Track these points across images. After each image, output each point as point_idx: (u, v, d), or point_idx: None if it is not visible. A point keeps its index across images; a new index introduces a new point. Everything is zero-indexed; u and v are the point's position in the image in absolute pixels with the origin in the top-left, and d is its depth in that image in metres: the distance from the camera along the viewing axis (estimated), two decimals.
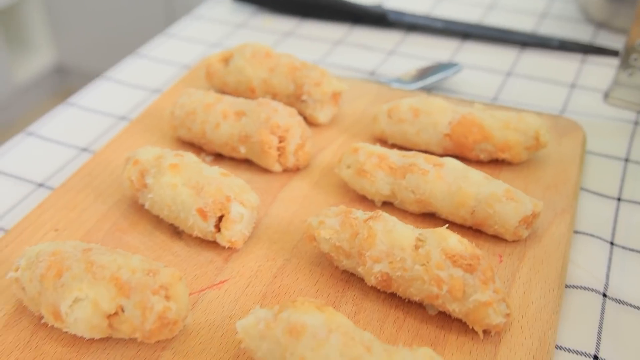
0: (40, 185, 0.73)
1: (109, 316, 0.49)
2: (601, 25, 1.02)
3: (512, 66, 0.93)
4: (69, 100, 0.87)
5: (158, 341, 0.52)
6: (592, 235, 0.64)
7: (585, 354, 0.53)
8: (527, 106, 0.83)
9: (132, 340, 0.52)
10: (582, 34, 1.00)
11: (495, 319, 0.50)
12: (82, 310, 0.49)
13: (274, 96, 0.76)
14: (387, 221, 0.54)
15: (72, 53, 2.81)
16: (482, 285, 0.50)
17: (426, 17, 1.03)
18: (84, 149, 0.78)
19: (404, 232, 0.53)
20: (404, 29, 1.02)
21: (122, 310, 0.49)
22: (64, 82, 2.80)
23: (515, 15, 1.06)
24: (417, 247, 0.52)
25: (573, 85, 0.88)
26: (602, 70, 0.91)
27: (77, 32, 2.74)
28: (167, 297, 0.49)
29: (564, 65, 0.93)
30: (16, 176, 0.74)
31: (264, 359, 0.47)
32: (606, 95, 0.84)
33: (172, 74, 0.93)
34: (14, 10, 2.62)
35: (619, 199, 0.69)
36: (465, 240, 0.52)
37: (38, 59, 2.73)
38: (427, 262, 0.51)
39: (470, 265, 0.50)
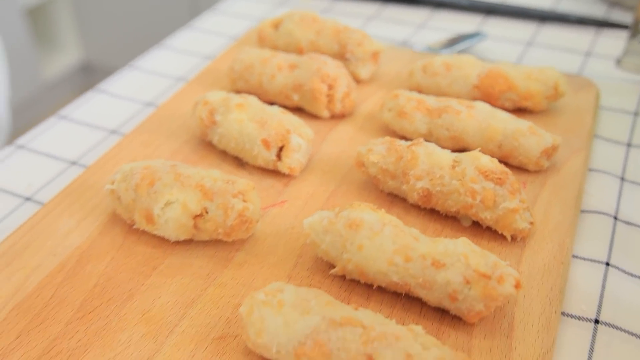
0: (113, 132, 0.82)
1: (195, 217, 0.59)
2: (614, 4, 1.11)
3: (532, 37, 1.01)
4: (132, 63, 0.97)
5: (233, 243, 0.61)
6: (604, 172, 0.72)
7: (599, 262, 0.61)
8: None
9: (211, 243, 0.61)
10: (597, 12, 1.09)
11: (521, 224, 0.59)
12: (173, 211, 0.58)
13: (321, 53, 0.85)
14: (427, 146, 0.63)
15: (97, 51, 2.92)
16: (510, 195, 0.59)
17: None
18: (149, 104, 0.88)
19: (443, 154, 0.62)
20: (432, 6, 1.11)
21: (207, 212, 0.58)
22: (90, 79, 2.91)
23: None
24: (453, 166, 0.61)
25: (588, 54, 0.97)
26: (615, 42, 1.00)
27: (103, 30, 2.85)
28: (244, 201, 0.58)
29: (579, 37, 1.01)
30: (90, 124, 0.83)
31: (326, 250, 0.56)
32: (618, 61, 0.93)
33: (222, 43, 1.02)
34: (43, 9, 2.74)
35: (629, 145, 0.77)
36: (495, 160, 0.61)
37: (65, 57, 2.85)
38: (463, 178, 0.60)
39: (500, 179, 0.59)
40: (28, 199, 0.71)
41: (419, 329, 0.48)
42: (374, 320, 0.48)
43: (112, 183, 0.62)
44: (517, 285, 0.51)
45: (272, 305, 0.49)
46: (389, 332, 0.47)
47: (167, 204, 0.58)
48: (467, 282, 0.51)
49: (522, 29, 1.04)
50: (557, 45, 0.99)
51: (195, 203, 0.58)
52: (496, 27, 1.05)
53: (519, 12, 1.07)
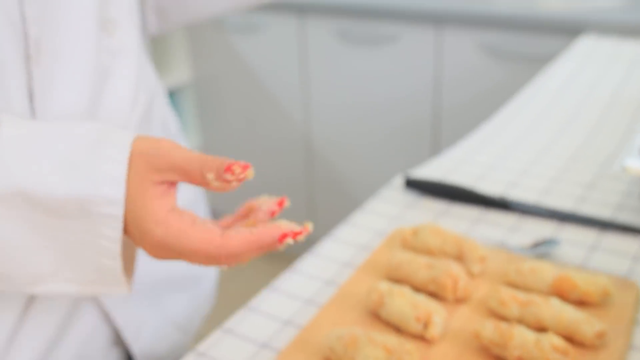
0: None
1: None
2: None
3: (596, 242, 1.42)
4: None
5: None
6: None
7: None
8: (603, 270, 1.30)
9: None
10: None
11: None
12: None
13: (446, 256, 1.28)
14: (519, 328, 1.04)
15: (216, 140, 3.64)
16: None
17: (536, 206, 1.54)
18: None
19: (530, 334, 1.02)
20: (520, 212, 1.54)
21: None
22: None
23: (599, 208, 1.56)
24: (537, 343, 1.01)
25: (634, 258, 1.36)
26: None
27: (221, 121, 3.62)
28: (411, 356, 0.99)
29: (629, 243, 1.41)
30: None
31: None
32: None
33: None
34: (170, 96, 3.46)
35: None
36: (562, 340, 1.00)
37: (187, 145, 3.49)
38: (542, 350, 0.99)
39: (565, 352, 0.98)
40: None
41: None
42: None
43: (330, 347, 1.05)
44: None
45: None
46: None
47: (365, 356, 1.00)
48: None
49: (588, 235, 1.44)
50: (614, 250, 1.38)
51: (382, 356, 1.00)
52: (568, 233, 1.46)
53: (586, 220, 1.48)
